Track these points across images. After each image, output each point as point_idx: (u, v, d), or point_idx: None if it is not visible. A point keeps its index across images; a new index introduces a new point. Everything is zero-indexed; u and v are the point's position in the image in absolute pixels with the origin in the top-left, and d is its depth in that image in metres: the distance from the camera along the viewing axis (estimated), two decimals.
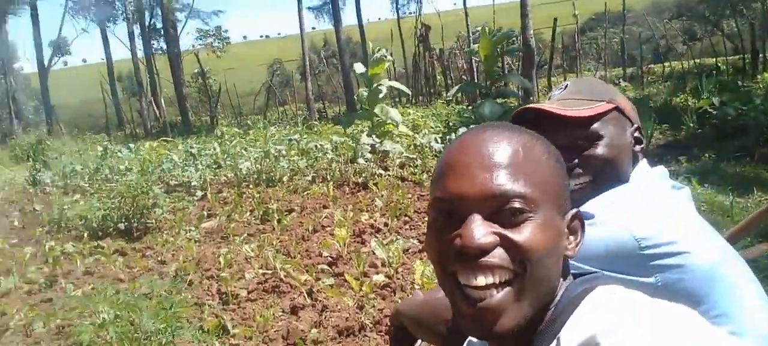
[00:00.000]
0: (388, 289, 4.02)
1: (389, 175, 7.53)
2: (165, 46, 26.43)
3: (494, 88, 10.77)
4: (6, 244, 6.24)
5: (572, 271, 0.89)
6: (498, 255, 0.74)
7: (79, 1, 29.45)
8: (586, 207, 1.20)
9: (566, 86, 1.38)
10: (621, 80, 18.64)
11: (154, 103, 23.25)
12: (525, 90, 11.25)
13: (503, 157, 0.77)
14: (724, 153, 6.56)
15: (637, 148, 1.34)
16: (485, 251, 0.74)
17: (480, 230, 0.74)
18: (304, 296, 3.96)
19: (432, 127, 9.84)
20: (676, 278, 1.10)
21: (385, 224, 5.49)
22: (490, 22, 17.34)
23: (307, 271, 4.39)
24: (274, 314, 3.78)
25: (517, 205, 0.75)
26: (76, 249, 5.61)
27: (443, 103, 14.86)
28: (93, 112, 29.98)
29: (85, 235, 6.05)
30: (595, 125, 1.27)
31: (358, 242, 5.11)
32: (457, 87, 11.58)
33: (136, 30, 28.08)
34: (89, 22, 30.00)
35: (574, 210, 0.86)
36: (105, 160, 10.11)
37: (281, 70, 39.55)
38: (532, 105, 1.29)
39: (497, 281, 0.75)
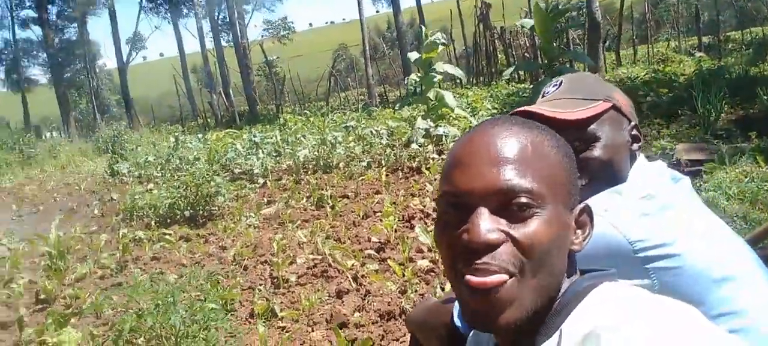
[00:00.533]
0: (432, 274, 4.07)
1: (443, 158, 7.53)
2: (232, 39, 27.29)
3: (557, 64, 10.48)
4: (84, 231, 6.75)
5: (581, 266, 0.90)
6: (504, 251, 0.75)
7: None
8: None
9: (560, 84, 1.33)
10: (696, 50, 17.58)
11: (222, 95, 24.13)
12: (589, 67, 10.85)
13: (511, 153, 0.78)
14: None
15: (635, 146, 1.31)
16: (491, 246, 0.75)
17: (486, 226, 0.75)
18: (350, 281, 4.08)
19: (488, 109, 9.71)
20: (672, 280, 1.09)
21: (435, 209, 5.52)
22: None
23: (355, 256, 4.51)
24: (320, 299, 3.92)
25: (523, 200, 0.76)
26: (146, 236, 6.00)
27: (504, 83, 14.57)
28: (171, 104, 31.41)
29: (154, 223, 6.44)
30: (592, 126, 1.24)
31: (407, 227, 5.17)
32: (512, 67, 11.32)
33: (206, 25, 29.20)
34: (161, 19, 31.47)
35: (583, 204, 0.87)
36: (176, 151, 10.66)
37: (345, 55, 39.93)
38: (525, 108, 1.25)
39: (501, 278, 0.76)
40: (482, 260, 0.75)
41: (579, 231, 0.85)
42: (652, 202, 1.17)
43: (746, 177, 4.51)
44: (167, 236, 5.83)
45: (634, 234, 1.10)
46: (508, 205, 0.76)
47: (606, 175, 1.24)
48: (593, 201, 1.19)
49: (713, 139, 6.59)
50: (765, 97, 7.53)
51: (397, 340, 3.34)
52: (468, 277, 0.77)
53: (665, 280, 1.09)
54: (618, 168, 1.26)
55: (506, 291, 0.75)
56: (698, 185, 4.96)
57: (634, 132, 1.32)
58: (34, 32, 30.09)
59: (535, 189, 0.77)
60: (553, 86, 1.35)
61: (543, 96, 1.35)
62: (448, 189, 0.81)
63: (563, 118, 1.21)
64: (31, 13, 29.14)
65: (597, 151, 1.24)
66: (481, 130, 0.83)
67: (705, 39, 19.86)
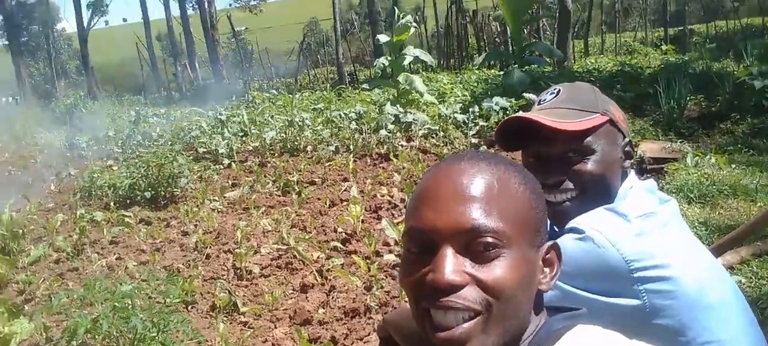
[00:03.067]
0: (398, 269, 4.04)
1: (412, 146, 7.50)
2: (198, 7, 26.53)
3: (526, 54, 10.51)
4: (40, 209, 6.51)
5: (555, 304, 0.90)
6: (468, 292, 0.75)
7: None
8: (575, 223, 1.19)
9: (558, 92, 1.33)
10: (662, 43, 17.89)
11: (188, 67, 23.52)
12: (558, 59, 10.90)
13: (477, 191, 0.78)
14: (763, 130, 6.24)
15: (627, 163, 1.31)
16: (456, 287, 0.74)
17: (451, 266, 0.75)
18: (315, 275, 4.03)
19: (458, 96, 9.69)
20: (664, 303, 1.10)
21: (402, 200, 5.50)
22: None
23: (320, 247, 4.46)
24: (284, 292, 3.87)
25: (489, 239, 0.75)
26: (104, 218, 5.81)
27: (474, 68, 14.58)
28: (133, 72, 30.48)
29: (113, 203, 6.25)
30: (588, 139, 1.24)
31: (374, 218, 5.14)
32: (483, 56, 11.32)
33: None
34: None
35: (551, 242, 0.86)
36: (137, 126, 10.35)
37: (317, 29, 39.28)
38: (524, 115, 1.26)
39: (466, 316, 0.76)
40: (447, 298, 0.75)
41: (547, 269, 0.84)
42: (651, 220, 1.17)
43: (708, 180, 4.60)
44: (127, 219, 5.66)
45: (631, 253, 1.11)
46: (473, 244, 0.76)
47: (598, 189, 1.24)
48: (591, 217, 1.19)
49: (676, 135, 6.71)
50: (727, 95, 7.68)
51: (361, 339, 3.31)
52: (437, 334, 0.77)
53: (656, 302, 1.10)
54: (610, 183, 1.26)
55: (469, 329, 0.75)
56: (661, 186, 5.05)
57: (628, 148, 1.32)
58: None
59: (501, 229, 0.76)
60: (551, 94, 1.35)
61: (539, 103, 1.35)
62: (414, 225, 0.81)
63: (563, 129, 1.21)
64: None
65: (591, 165, 1.24)
66: (448, 166, 0.82)
67: (671, 31, 20.20)
